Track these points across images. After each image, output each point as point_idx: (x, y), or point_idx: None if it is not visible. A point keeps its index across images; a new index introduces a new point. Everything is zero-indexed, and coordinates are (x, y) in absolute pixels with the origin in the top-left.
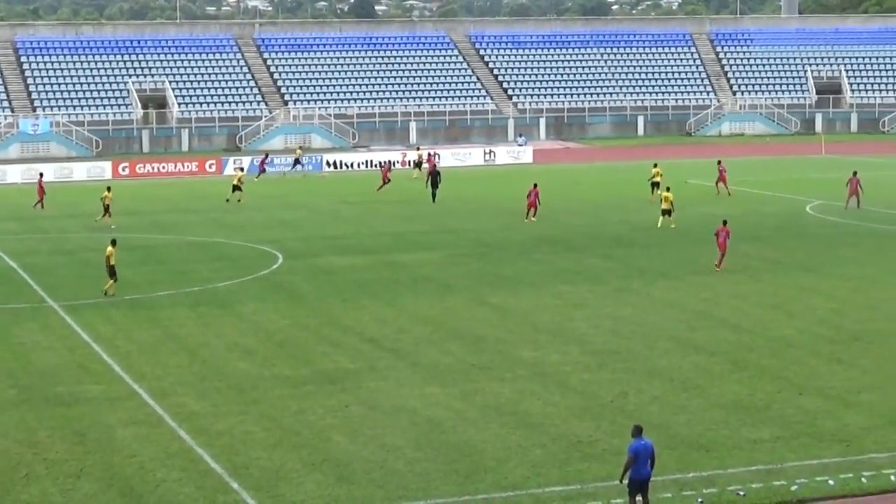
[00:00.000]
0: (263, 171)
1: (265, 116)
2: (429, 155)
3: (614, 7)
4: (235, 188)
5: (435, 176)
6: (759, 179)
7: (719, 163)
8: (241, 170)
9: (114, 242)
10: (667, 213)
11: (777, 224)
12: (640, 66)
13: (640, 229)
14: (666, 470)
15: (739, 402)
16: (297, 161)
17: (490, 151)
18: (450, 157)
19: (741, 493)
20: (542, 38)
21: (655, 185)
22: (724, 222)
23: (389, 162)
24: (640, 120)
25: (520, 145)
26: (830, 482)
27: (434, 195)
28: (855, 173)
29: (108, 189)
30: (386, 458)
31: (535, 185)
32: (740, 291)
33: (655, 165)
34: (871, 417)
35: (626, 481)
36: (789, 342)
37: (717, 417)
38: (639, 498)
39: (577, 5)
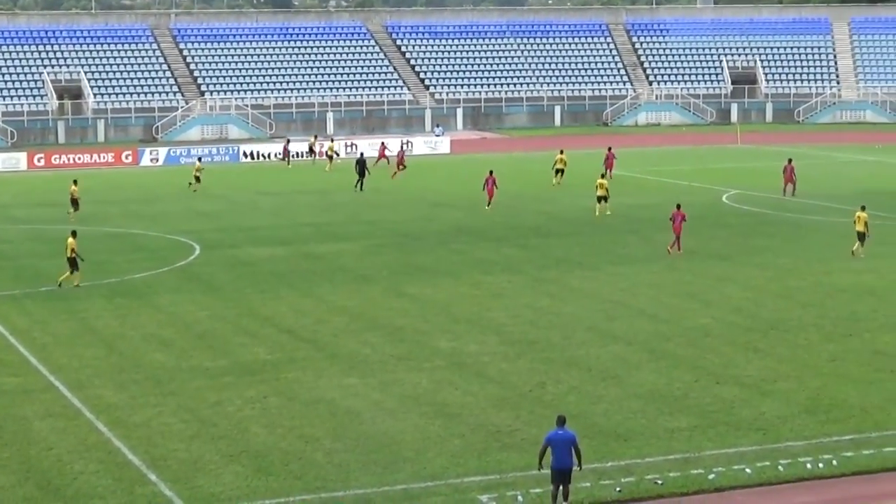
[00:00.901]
0: (288, 154)
1: (182, 107)
2: (382, 144)
3: None
4: (196, 178)
5: (362, 165)
6: (676, 169)
7: (609, 149)
8: (200, 160)
9: (73, 234)
10: (602, 199)
11: (693, 214)
12: (557, 57)
13: (557, 219)
14: (584, 459)
15: (657, 391)
16: (310, 150)
17: (407, 142)
18: (367, 147)
19: (659, 481)
20: (458, 28)
21: (559, 171)
22: (678, 206)
23: (403, 145)
24: (557, 110)
25: (437, 135)
26: (747, 470)
27: (361, 184)
28: (790, 161)
29: (75, 182)
30: (304, 450)
31: (491, 172)
32: (657, 281)
33: (562, 152)
34: (788, 406)
35: (543, 469)
36: (706, 331)
37: (635, 407)
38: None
39: None
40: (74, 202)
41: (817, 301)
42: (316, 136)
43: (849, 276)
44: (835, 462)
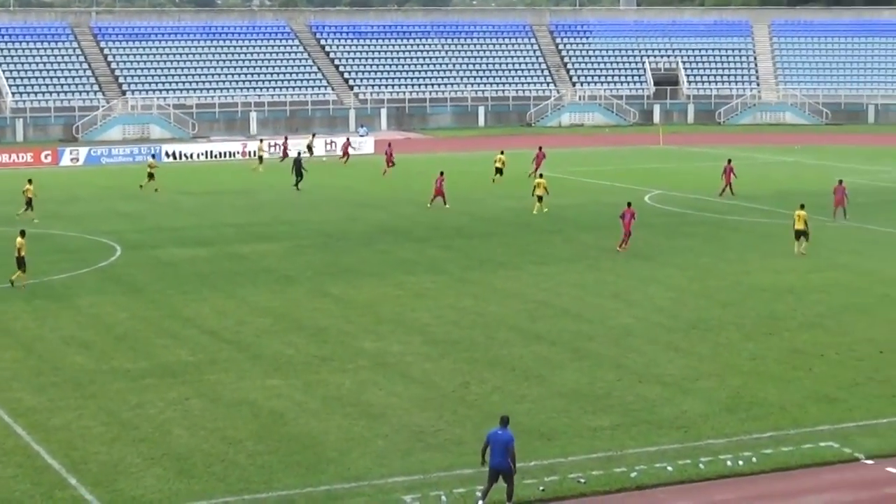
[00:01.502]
0: (309, 152)
1: (102, 107)
2: (347, 140)
3: None
4: (150, 176)
5: (299, 165)
6: (599, 170)
7: (540, 148)
8: (153, 156)
9: (22, 233)
10: (541, 198)
11: (616, 214)
12: (481, 57)
13: (480, 220)
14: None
15: (580, 390)
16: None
17: (331, 142)
18: (292, 147)
19: (582, 480)
20: (383, 29)
21: (499, 170)
22: (629, 204)
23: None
24: (481, 111)
25: (361, 136)
26: (669, 468)
27: (297, 183)
28: (729, 161)
29: (30, 182)
30: (227, 451)
31: (442, 174)
32: (580, 281)
33: (502, 153)
34: (709, 404)
35: (485, 465)
36: (628, 331)
37: (558, 406)
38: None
39: None
40: (28, 202)
41: (737, 300)
42: (314, 135)
43: (768, 276)
44: (754, 459)
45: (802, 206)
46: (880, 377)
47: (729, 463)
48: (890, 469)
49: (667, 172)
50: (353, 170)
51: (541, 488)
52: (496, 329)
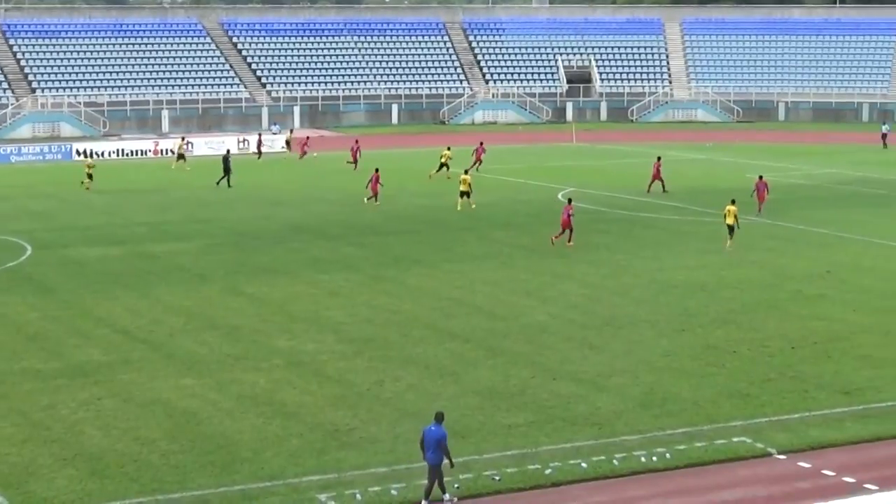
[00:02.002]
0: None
1: (12, 104)
2: (355, 141)
3: None
4: (89, 176)
5: (227, 162)
6: (512, 167)
7: (481, 143)
8: (91, 156)
9: None
10: (465, 194)
11: (530, 211)
12: (394, 55)
13: (394, 217)
14: (420, 456)
15: (494, 387)
16: (288, 143)
17: (244, 140)
18: (203, 145)
19: (497, 477)
20: (295, 26)
21: (444, 165)
22: (569, 200)
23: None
24: (395, 108)
25: (274, 133)
26: (583, 465)
27: (228, 181)
28: (659, 158)
29: None
30: (140, 451)
31: (377, 170)
32: (494, 278)
33: (448, 148)
34: (623, 401)
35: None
36: (543, 328)
37: (473, 403)
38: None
39: None
40: None
41: (651, 297)
42: (292, 130)
43: (681, 273)
44: (668, 455)
45: (733, 202)
46: (792, 373)
47: (643, 459)
48: (802, 463)
49: (580, 170)
50: (266, 167)
51: (456, 486)
52: (410, 327)
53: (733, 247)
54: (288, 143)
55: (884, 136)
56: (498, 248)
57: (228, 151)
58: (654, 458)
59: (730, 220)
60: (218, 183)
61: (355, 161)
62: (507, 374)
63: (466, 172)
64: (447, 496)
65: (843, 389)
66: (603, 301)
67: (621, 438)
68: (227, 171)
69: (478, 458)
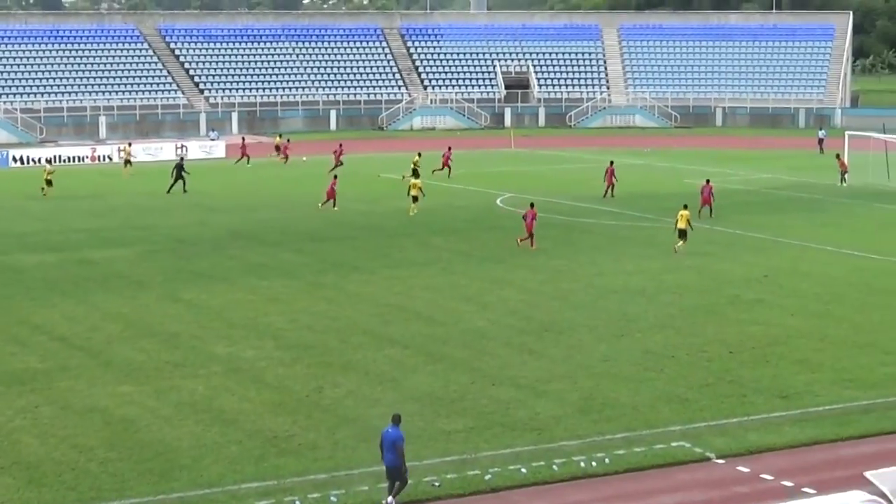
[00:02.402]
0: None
1: None
2: (339, 145)
3: (305, 1)
4: (48, 182)
5: (179, 169)
6: (451, 173)
7: (449, 148)
8: (49, 162)
9: None
10: (416, 199)
11: (469, 217)
12: (332, 61)
13: (333, 223)
14: (361, 463)
15: (433, 393)
16: (277, 148)
17: (182, 146)
18: (141, 152)
19: (436, 483)
20: (233, 32)
21: (415, 172)
22: (532, 205)
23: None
24: (333, 114)
25: (212, 140)
26: (523, 470)
27: (183, 185)
28: (611, 163)
29: None
30: (78, 459)
31: (335, 178)
32: (433, 284)
33: (419, 155)
34: (562, 406)
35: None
36: (482, 334)
37: (412, 409)
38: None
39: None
40: None
41: (589, 302)
42: (280, 135)
43: (620, 278)
44: (607, 460)
45: (686, 207)
46: (730, 377)
47: (582, 464)
48: (740, 468)
49: (518, 175)
50: (207, 174)
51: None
52: (349, 333)
53: (684, 249)
54: (277, 147)
55: (820, 141)
56: (437, 254)
57: (182, 159)
58: (594, 464)
59: (682, 225)
60: (185, 190)
61: (339, 164)
62: (446, 380)
63: (417, 177)
64: (390, 499)
65: (781, 393)
66: (542, 306)
67: (561, 444)
68: (179, 177)
69: (417, 464)
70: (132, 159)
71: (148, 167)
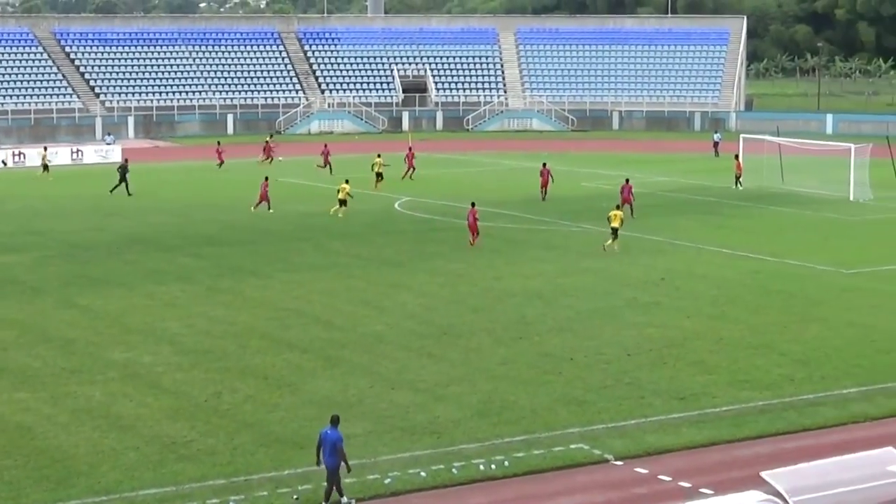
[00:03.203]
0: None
1: None
2: (325, 146)
3: (202, 5)
4: (44, 167)
5: (124, 170)
6: (349, 177)
7: (410, 148)
8: (46, 149)
9: None
10: (343, 203)
11: (367, 221)
12: (229, 65)
13: (230, 228)
14: (261, 468)
15: (332, 397)
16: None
17: (78, 150)
18: (36, 156)
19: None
20: (129, 36)
21: (379, 174)
22: (473, 204)
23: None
24: (230, 118)
25: (108, 144)
26: (422, 474)
27: (126, 188)
28: (545, 164)
29: None
30: None
31: (266, 179)
32: (331, 288)
33: (379, 156)
34: (461, 409)
35: (321, 465)
36: (380, 338)
37: (311, 414)
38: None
39: (163, 3)
40: None
41: (488, 306)
42: (271, 135)
43: (518, 281)
44: (507, 463)
45: (618, 207)
46: (628, 379)
47: (482, 467)
48: (638, 469)
49: (416, 179)
50: (99, 180)
51: (295, 497)
52: (247, 338)
53: (616, 248)
54: (265, 149)
55: (715, 144)
56: (335, 259)
57: (127, 161)
58: (493, 466)
59: (615, 224)
60: (128, 192)
61: (327, 164)
62: (345, 384)
63: (347, 182)
64: (345, 499)
65: (678, 395)
66: (440, 310)
67: (460, 447)
68: (123, 179)
69: (316, 469)
70: (49, 163)
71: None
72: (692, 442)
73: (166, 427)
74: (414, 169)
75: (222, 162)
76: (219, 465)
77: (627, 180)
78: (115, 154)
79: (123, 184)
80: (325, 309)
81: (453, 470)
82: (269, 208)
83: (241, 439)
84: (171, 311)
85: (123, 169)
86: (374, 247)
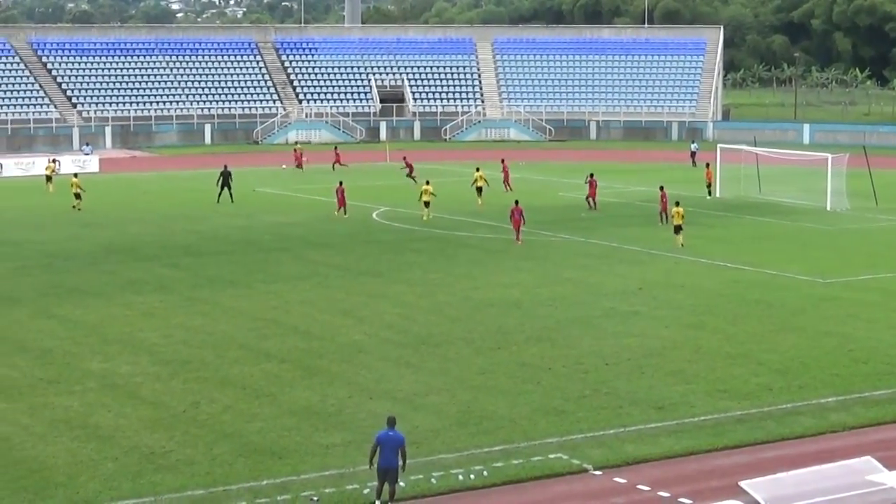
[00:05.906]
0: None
1: None
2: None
3: (179, 15)
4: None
5: (226, 176)
6: (326, 187)
7: (404, 158)
8: (54, 161)
9: None
10: (427, 204)
11: (345, 231)
12: (207, 75)
13: (208, 238)
14: (240, 478)
15: (311, 408)
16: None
17: (55, 160)
18: (13, 166)
19: (315, 498)
20: (106, 46)
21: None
22: (516, 202)
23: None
24: (208, 128)
25: (86, 154)
26: (401, 483)
27: (231, 195)
28: (503, 160)
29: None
30: None
31: (341, 183)
32: (310, 298)
33: (478, 169)
34: (439, 419)
35: (373, 467)
36: (359, 347)
37: (290, 424)
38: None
39: (140, 13)
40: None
41: (466, 315)
42: (298, 142)
43: (496, 291)
44: (485, 473)
45: (678, 203)
46: (606, 389)
47: (461, 477)
48: (617, 479)
49: (393, 189)
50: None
51: (315, 498)
52: (226, 348)
53: (685, 242)
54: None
55: (693, 154)
56: (313, 268)
57: (226, 166)
58: (472, 476)
59: (678, 221)
60: (219, 199)
61: (338, 162)
62: (323, 394)
63: (428, 183)
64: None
65: (657, 405)
66: (418, 320)
67: (438, 456)
68: (226, 184)
69: (295, 479)
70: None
71: (19, 182)
72: (671, 451)
73: (145, 437)
74: (411, 173)
75: (300, 165)
76: (197, 475)
77: (591, 174)
78: (92, 164)
79: (226, 189)
80: (303, 319)
81: (432, 480)
82: (345, 213)
83: (219, 449)
84: (149, 321)
85: (226, 175)
86: (352, 257)
